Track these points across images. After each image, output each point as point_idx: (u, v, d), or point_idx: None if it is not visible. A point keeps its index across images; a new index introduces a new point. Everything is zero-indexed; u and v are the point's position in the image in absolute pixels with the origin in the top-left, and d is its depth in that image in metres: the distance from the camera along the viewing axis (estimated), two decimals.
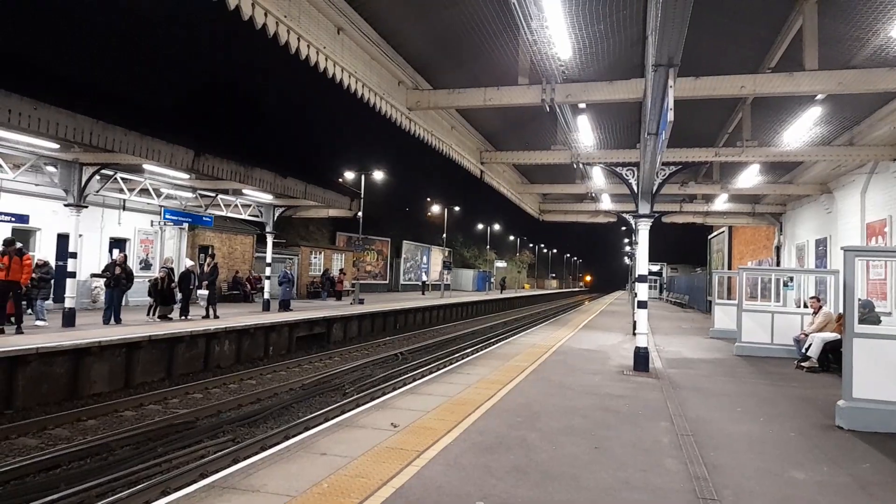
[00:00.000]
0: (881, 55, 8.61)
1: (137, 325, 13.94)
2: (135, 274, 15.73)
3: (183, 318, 15.63)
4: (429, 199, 62.34)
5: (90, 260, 17.45)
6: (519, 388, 8.47)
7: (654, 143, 7.68)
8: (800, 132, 11.86)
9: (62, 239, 16.13)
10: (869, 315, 8.45)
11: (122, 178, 15.77)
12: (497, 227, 68.46)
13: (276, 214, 20.60)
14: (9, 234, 14.05)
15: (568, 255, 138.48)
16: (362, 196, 25.53)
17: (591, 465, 5.12)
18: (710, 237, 35.54)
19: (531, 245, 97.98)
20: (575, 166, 14.84)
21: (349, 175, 30.83)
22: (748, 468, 5.18)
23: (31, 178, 14.96)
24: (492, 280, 62.66)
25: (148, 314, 15.73)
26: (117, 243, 18.98)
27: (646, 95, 8.38)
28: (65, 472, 7.17)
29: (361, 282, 30.35)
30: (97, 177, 13.74)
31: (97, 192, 15.41)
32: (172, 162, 13.12)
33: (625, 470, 5.01)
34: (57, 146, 11.93)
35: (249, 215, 21.12)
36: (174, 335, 12.92)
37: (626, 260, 49.26)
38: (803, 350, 11.10)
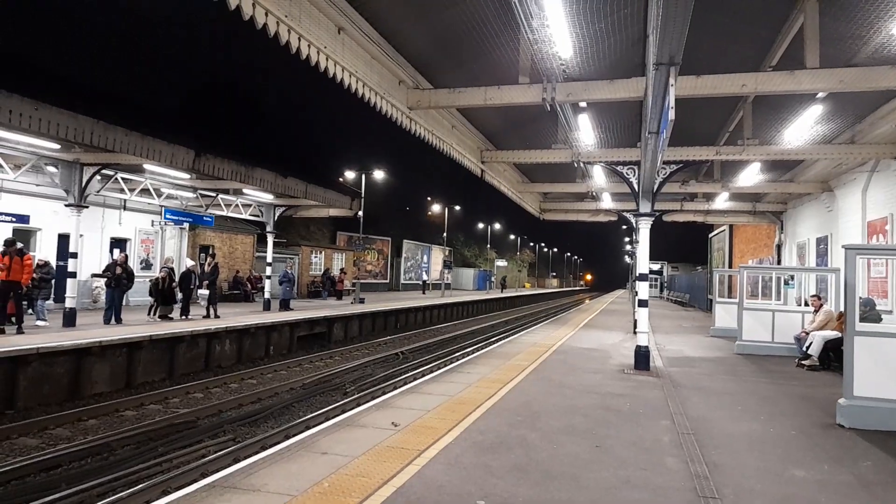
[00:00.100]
0: (882, 53, 8.59)
1: (138, 324, 13.95)
2: (135, 274, 15.74)
3: (183, 317, 15.63)
4: (429, 199, 62.38)
5: (91, 260, 17.46)
6: (520, 387, 8.46)
7: (655, 141, 7.67)
8: (801, 130, 11.84)
9: (63, 239, 16.14)
10: (870, 313, 8.45)
11: (123, 178, 15.77)
12: (498, 226, 68.48)
13: (277, 214, 20.61)
14: (10, 235, 14.06)
15: (568, 254, 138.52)
16: (363, 195, 25.53)
17: (592, 463, 5.12)
18: (710, 236, 35.51)
19: (532, 244, 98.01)
20: (576, 165, 14.82)
21: (350, 174, 30.85)
22: (749, 467, 5.18)
23: (31, 179, 14.96)
24: (492, 279, 62.65)
25: (149, 314, 15.73)
26: (118, 243, 18.99)
27: (647, 94, 8.37)
28: (65, 471, 7.17)
29: (362, 281, 30.36)
30: (98, 177, 13.74)
31: (98, 192, 15.43)
32: (173, 162, 13.11)
33: (626, 469, 5.00)
34: (58, 146, 11.94)
35: (250, 215, 21.13)
36: (175, 335, 12.93)
37: (627, 259, 49.30)
38: (804, 348, 11.09)
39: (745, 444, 5.89)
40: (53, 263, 14.72)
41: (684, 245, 59.95)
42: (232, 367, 14.45)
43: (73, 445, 7.90)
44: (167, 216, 19.91)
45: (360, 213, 25.54)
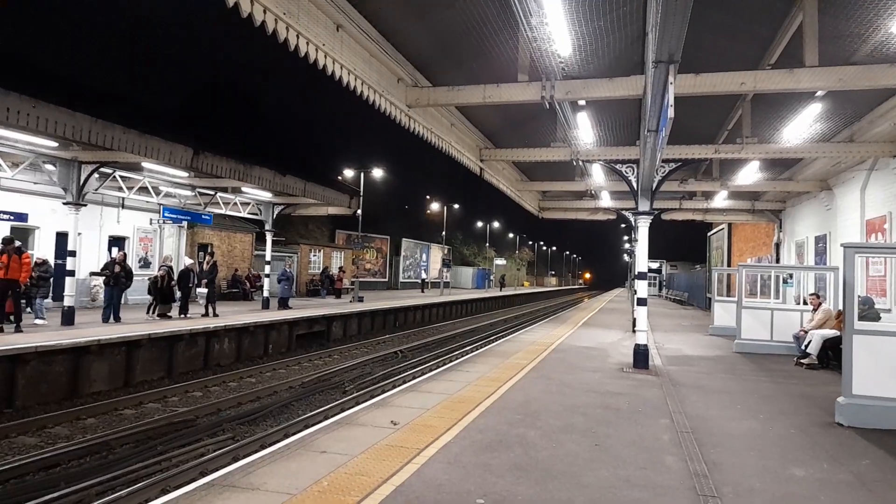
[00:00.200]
0: (882, 51, 8.59)
1: (137, 323, 13.93)
2: (134, 272, 15.71)
3: (182, 316, 15.62)
4: (428, 197, 62.34)
5: (89, 258, 17.43)
6: (519, 385, 8.46)
7: (655, 139, 7.66)
8: (800, 129, 11.84)
9: (61, 237, 16.11)
10: (868, 312, 8.45)
11: (121, 177, 15.75)
12: (496, 224, 68.47)
13: (276, 212, 20.58)
14: (8, 233, 14.02)
15: (567, 252, 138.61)
16: (362, 194, 25.49)
17: (592, 462, 5.12)
18: (709, 234, 35.52)
19: (531, 243, 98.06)
20: (575, 163, 14.81)
21: (348, 173, 30.80)
22: (748, 465, 5.18)
23: (29, 177, 14.93)
24: (491, 278, 62.67)
25: (147, 312, 15.71)
26: (116, 241, 18.97)
27: (646, 92, 8.36)
28: (64, 470, 7.16)
29: (361, 280, 30.33)
30: (96, 175, 13.72)
31: (96, 190, 15.40)
32: (171, 160, 13.09)
33: (625, 468, 5.00)
34: (56, 144, 11.91)
35: (248, 213, 21.10)
36: (174, 333, 12.91)
37: (626, 257, 49.27)
38: (803, 347, 11.10)
39: (744, 443, 5.89)
40: (52, 262, 14.68)
41: (683, 244, 60.06)
42: (231, 365, 14.44)
43: (72, 444, 7.90)
44: (165, 214, 19.88)
45: (359, 211, 25.50)
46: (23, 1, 36.51)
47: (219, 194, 19.07)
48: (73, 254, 13.54)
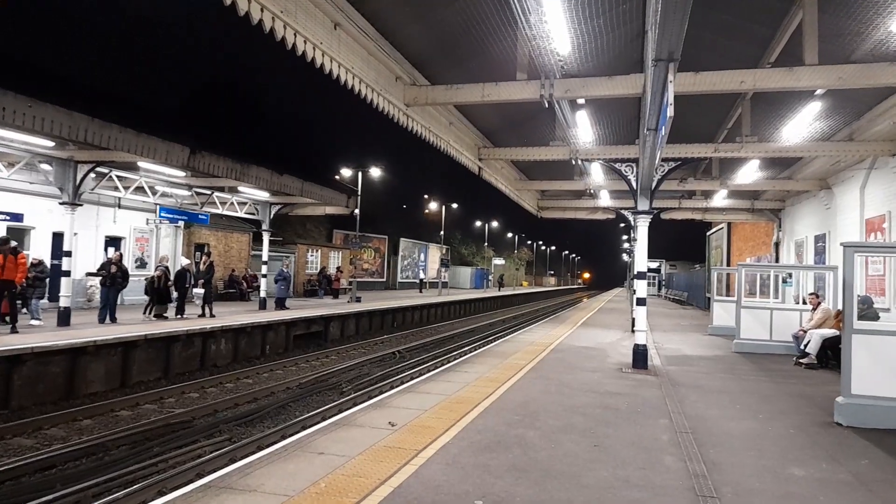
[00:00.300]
0: (881, 50, 8.57)
1: (133, 324, 13.88)
2: (130, 272, 15.65)
3: (179, 316, 15.56)
4: (426, 197, 62.26)
5: (85, 258, 17.36)
6: (518, 386, 8.43)
7: (654, 138, 7.63)
8: (799, 128, 11.82)
9: (57, 237, 16.04)
10: (868, 311, 8.43)
11: (118, 176, 15.68)
12: (495, 224, 68.48)
13: (273, 212, 20.51)
14: (3, 233, 13.97)
15: (566, 252, 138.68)
16: (359, 193, 25.45)
17: (591, 463, 5.08)
18: (708, 233, 35.53)
19: (529, 242, 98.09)
20: (574, 163, 14.78)
21: (346, 172, 30.73)
22: (747, 465, 5.16)
23: (25, 177, 14.87)
24: (490, 278, 62.67)
25: (144, 313, 15.66)
26: (113, 242, 18.90)
27: (645, 91, 8.33)
28: (61, 472, 7.12)
29: (359, 280, 30.31)
30: (92, 175, 13.65)
31: (92, 190, 15.32)
32: (168, 159, 13.02)
33: (624, 468, 4.97)
34: (52, 144, 11.84)
35: (246, 213, 21.04)
36: (170, 334, 12.86)
37: (625, 257, 49.32)
38: (802, 346, 11.08)
39: (743, 443, 5.86)
40: (48, 262, 14.64)
41: (682, 243, 60.12)
42: (228, 366, 14.39)
43: (69, 445, 7.85)
44: (162, 214, 19.83)
45: (357, 210, 25.46)
46: (21, 2, 36.45)
47: (216, 194, 19.01)
48: (69, 254, 13.46)
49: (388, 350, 17.76)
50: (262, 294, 20.48)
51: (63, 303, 13.14)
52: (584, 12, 7.75)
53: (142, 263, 20.04)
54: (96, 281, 15.64)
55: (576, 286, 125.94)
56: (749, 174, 15.78)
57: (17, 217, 15.50)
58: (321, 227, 40.83)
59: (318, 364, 15.42)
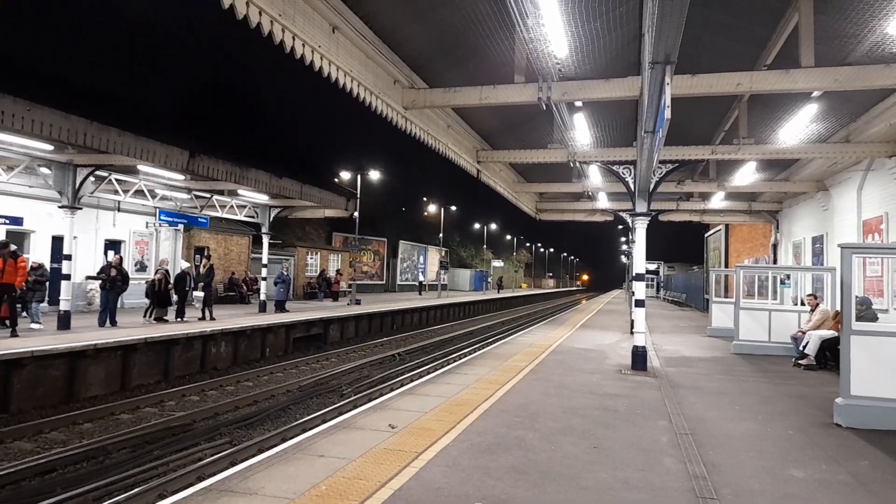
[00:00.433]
0: (877, 52, 8.61)
1: (133, 327, 13.88)
2: (130, 276, 15.65)
3: (179, 319, 15.57)
4: (425, 199, 62.26)
5: (85, 262, 17.37)
6: (517, 388, 8.44)
7: (651, 140, 7.66)
8: (796, 129, 11.86)
9: (57, 241, 16.04)
10: (866, 312, 8.45)
11: (117, 180, 15.70)
12: (494, 226, 68.47)
13: (272, 215, 20.53)
14: (3, 237, 13.98)
15: (565, 254, 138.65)
16: (358, 196, 25.46)
17: (591, 464, 5.10)
18: (706, 235, 35.58)
19: (528, 244, 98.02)
20: (572, 165, 14.82)
21: (345, 175, 30.77)
22: (747, 467, 5.17)
23: (25, 180, 14.88)
24: (489, 280, 62.64)
25: (144, 316, 15.66)
26: (112, 245, 18.90)
27: (642, 93, 8.37)
28: (61, 476, 7.11)
29: (358, 282, 30.31)
30: (91, 178, 13.67)
31: (92, 193, 15.34)
32: (167, 163, 13.04)
33: (624, 469, 4.98)
34: (51, 147, 11.87)
35: (245, 216, 21.05)
36: (170, 337, 12.86)
37: (623, 259, 49.35)
38: (801, 348, 11.10)
39: (742, 444, 5.87)
40: (47, 266, 14.64)
41: (680, 245, 60.06)
42: (228, 369, 14.39)
43: (69, 449, 7.84)
44: (162, 217, 19.83)
45: (356, 213, 25.47)
46: (21, 2, 36.48)
47: (215, 197, 19.02)
48: (68, 257, 13.47)
49: (388, 352, 17.76)
50: (262, 297, 20.48)
51: (63, 306, 13.15)
52: (581, 15, 7.79)
53: (141, 267, 20.04)
54: (96, 284, 15.63)
55: (574, 288, 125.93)
56: (746, 176, 15.83)
57: (17, 221, 15.51)
58: (320, 230, 40.83)
59: (318, 367, 15.42)
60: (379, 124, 10.44)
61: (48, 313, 14.64)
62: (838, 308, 9.01)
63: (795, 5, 8.35)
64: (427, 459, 5.10)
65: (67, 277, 13.43)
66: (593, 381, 9.07)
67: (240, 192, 18.11)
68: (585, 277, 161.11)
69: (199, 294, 16.70)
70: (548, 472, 4.86)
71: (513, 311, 42.94)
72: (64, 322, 12.96)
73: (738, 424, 6.69)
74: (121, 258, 15.42)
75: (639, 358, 10.19)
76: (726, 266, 28.59)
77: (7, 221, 15.22)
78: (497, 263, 64.84)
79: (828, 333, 10.67)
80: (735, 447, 5.76)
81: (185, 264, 17.13)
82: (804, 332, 11.29)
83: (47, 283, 13.95)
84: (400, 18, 8.90)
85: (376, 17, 8.60)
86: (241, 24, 6.45)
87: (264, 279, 20.73)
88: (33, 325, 12.82)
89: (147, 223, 20.19)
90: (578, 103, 10.63)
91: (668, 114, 5.73)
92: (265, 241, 20.66)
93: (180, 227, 21.25)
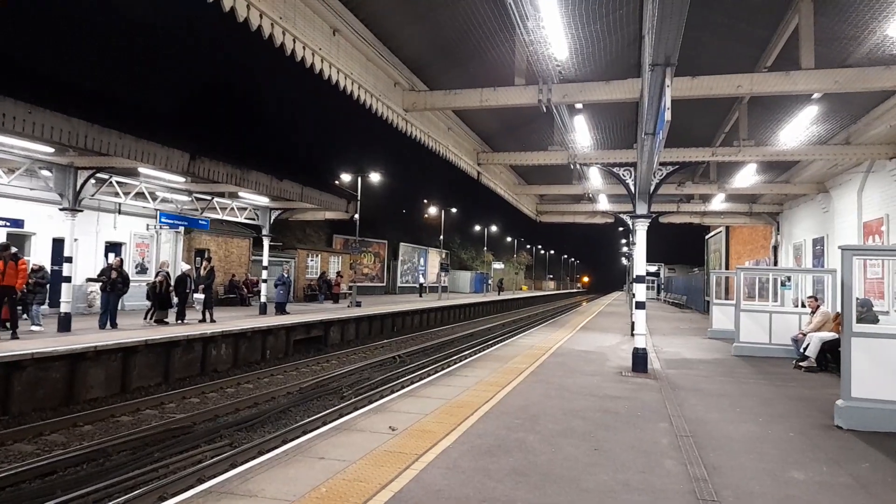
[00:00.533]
0: (877, 53, 8.62)
1: (134, 329, 13.87)
2: (130, 278, 15.66)
3: (179, 322, 15.57)
4: (426, 201, 62.32)
5: (86, 264, 17.37)
6: (518, 390, 8.43)
7: (652, 142, 7.67)
8: (796, 131, 11.87)
9: (57, 243, 16.05)
10: (867, 314, 8.44)
11: (118, 182, 15.70)
12: (494, 228, 68.51)
13: (273, 217, 20.54)
14: (4, 239, 13.98)
15: (565, 256, 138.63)
16: (359, 198, 25.48)
17: (591, 467, 5.09)
18: (707, 237, 35.59)
19: (528, 246, 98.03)
20: (572, 167, 14.84)
21: (346, 177, 30.79)
22: (748, 469, 5.16)
23: (25, 183, 14.88)
24: (489, 282, 62.63)
25: (145, 318, 15.66)
26: (113, 247, 18.92)
27: (643, 95, 8.37)
28: (61, 478, 7.11)
29: (358, 284, 30.31)
30: (92, 180, 13.68)
31: (92, 195, 15.33)
32: (168, 165, 13.06)
33: (624, 472, 4.98)
34: (52, 150, 11.88)
35: (246, 218, 21.04)
36: (170, 339, 12.86)
37: (624, 261, 49.32)
38: (801, 350, 11.09)
39: (743, 446, 5.87)
40: (48, 268, 14.64)
41: (681, 247, 60.02)
42: (228, 371, 14.38)
43: (69, 451, 7.84)
44: (162, 220, 19.83)
45: (357, 215, 25.49)
46: (21, 3, 36.57)
47: (216, 199, 19.02)
48: (69, 260, 13.47)
49: (389, 354, 17.75)
50: (263, 299, 20.48)
51: (64, 308, 13.15)
52: (581, 17, 7.80)
53: (142, 269, 20.05)
54: (97, 286, 15.65)
55: (575, 290, 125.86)
56: (747, 178, 15.84)
57: (18, 223, 15.52)
58: (321, 232, 40.85)
59: (318, 369, 15.41)
60: (379, 126, 10.47)
61: (49, 315, 14.64)
62: (839, 310, 9.01)
63: (795, 7, 8.36)
64: (427, 462, 5.10)
65: (68, 280, 13.43)
66: (594, 384, 9.06)
67: (240, 194, 18.11)
68: (586, 279, 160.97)
69: (199, 296, 16.70)
70: (548, 475, 4.86)
71: (513, 314, 42.92)
72: (64, 324, 12.96)
73: (739, 426, 6.68)
74: (121, 260, 15.41)
75: (639, 360, 10.18)
76: (727, 268, 28.60)
77: (8, 224, 15.24)
78: (497, 265, 64.88)
79: (828, 335, 10.66)
80: (736, 449, 5.76)
81: (185, 266, 17.13)
82: (805, 334, 11.29)
83: (48, 286, 13.95)
84: (400, 21, 8.92)
85: (377, 20, 8.61)
86: (242, 26, 6.46)
87: (265, 281, 20.73)
88: (34, 328, 12.82)
89: (148, 225, 20.20)
90: (579, 105, 10.65)
91: (668, 116, 5.74)
92: (266, 243, 20.66)
93: (181, 229, 21.27)
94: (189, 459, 7.79)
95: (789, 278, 18.30)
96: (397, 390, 11.07)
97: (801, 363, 10.94)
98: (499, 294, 54.52)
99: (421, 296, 42.75)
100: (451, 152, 13.10)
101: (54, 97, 10.76)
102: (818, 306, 11.57)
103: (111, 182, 15.41)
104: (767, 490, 4.65)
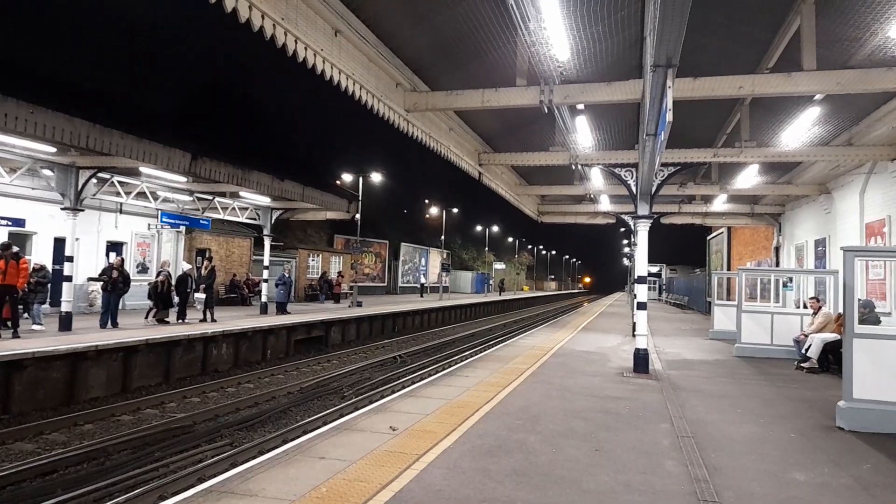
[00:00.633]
0: (879, 55, 8.60)
1: (134, 328, 13.89)
2: (132, 277, 15.67)
3: (180, 321, 15.58)
4: (427, 201, 62.34)
5: (87, 264, 17.39)
6: (518, 390, 8.43)
7: (653, 143, 7.66)
8: (798, 132, 11.85)
9: (59, 243, 16.08)
10: (869, 315, 8.42)
11: (119, 182, 15.73)
12: (496, 228, 68.48)
13: (274, 217, 20.55)
14: (5, 238, 14.00)
15: (567, 256, 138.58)
16: (360, 198, 25.49)
17: (592, 467, 5.09)
18: (709, 238, 35.54)
19: (530, 247, 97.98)
20: (573, 168, 14.83)
21: (347, 177, 30.79)
22: (749, 470, 5.16)
23: (27, 182, 14.89)
24: (490, 282, 62.61)
25: (146, 317, 15.67)
26: (114, 247, 18.94)
27: (644, 96, 8.37)
28: (61, 477, 7.12)
29: (359, 284, 30.31)
30: (94, 180, 13.69)
31: (94, 195, 15.36)
32: (169, 165, 13.08)
33: (625, 472, 4.97)
34: (53, 150, 11.90)
35: (247, 218, 21.07)
36: (171, 339, 12.87)
37: (625, 261, 49.28)
38: (803, 351, 11.08)
39: (744, 447, 5.86)
40: (49, 267, 14.66)
41: (683, 247, 59.94)
42: (229, 371, 14.39)
43: (69, 450, 7.85)
44: (163, 219, 19.85)
45: (358, 215, 25.49)
46: (21, 3, 36.64)
47: (217, 199, 19.05)
48: (70, 259, 13.49)
49: (389, 354, 17.76)
50: (264, 299, 20.49)
51: (65, 308, 13.16)
52: (583, 18, 7.80)
53: (143, 268, 20.06)
54: (98, 286, 15.67)
55: (576, 290, 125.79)
56: (748, 179, 15.82)
57: (19, 222, 15.54)
58: (322, 232, 40.86)
59: (319, 368, 15.42)
60: (381, 126, 10.49)
61: (50, 315, 14.65)
62: (841, 311, 9.00)
63: (797, 9, 8.36)
64: (428, 462, 5.10)
65: (69, 279, 13.45)
66: (595, 384, 9.05)
67: (242, 194, 18.13)
68: (587, 280, 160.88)
69: (200, 296, 16.72)
70: (549, 475, 4.85)
71: (514, 314, 42.91)
72: (65, 323, 12.98)
73: (740, 427, 6.67)
74: (122, 260, 15.44)
75: (640, 360, 10.17)
76: (728, 269, 28.57)
77: (9, 223, 15.25)
78: (499, 266, 64.87)
79: (830, 336, 10.65)
80: (737, 450, 5.75)
81: (186, 266, 17.15)
82: (806, 335, 11.28)
83: (49, 285, 13.97)
84: (402, 21, 8.92)
85: (378, 21, 8.61)
86: (244, 27, 6.47)
87: (266, 281, 20.75)
88: (35, 327, 12.83)
89: (149, 225, 20.22)
90: (580, 106, 10.64)
91: (669, 117, 5.74)
92: (267, 243, 20.67)
93: (182, 228, 21.28)
94: (189, 459, 7.80)
95: (791, 279, 18.28)
96: (398, 390, 11.07)
97: (802, 364, 10.93)
98: (500, 294, 54.50)
99: (422, 296, 42.76)
100: (452, 153, 13.10)
101: (55, 97, 10.79)
102: (820, 307, 11.56)
103: (113, 182, 15.44)
104: (768, 491, 4.64)
